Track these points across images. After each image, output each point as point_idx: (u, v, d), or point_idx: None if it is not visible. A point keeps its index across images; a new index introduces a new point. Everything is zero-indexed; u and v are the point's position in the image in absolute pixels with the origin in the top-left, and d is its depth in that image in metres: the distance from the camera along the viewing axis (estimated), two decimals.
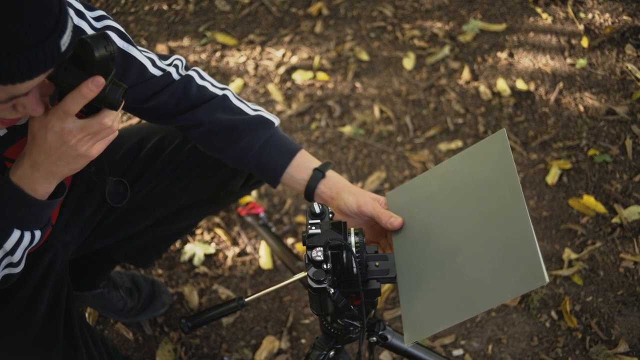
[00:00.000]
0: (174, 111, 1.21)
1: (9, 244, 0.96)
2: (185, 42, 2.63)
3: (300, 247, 1.97)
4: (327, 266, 0.93)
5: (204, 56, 2.57)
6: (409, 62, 2.48)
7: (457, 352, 1.75)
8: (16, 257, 0.99)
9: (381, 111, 2.34)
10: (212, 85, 1.24)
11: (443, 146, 2.21)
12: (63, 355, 1.15)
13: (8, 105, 0.85)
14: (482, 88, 2.38)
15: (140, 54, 1.13)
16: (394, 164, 2.18)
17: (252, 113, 1.24)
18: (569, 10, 2.59)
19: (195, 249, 1.96)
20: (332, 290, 0.93)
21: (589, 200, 2.00)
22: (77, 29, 1.02)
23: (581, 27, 2.52)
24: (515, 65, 2.44)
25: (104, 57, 0.85)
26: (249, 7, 2.75)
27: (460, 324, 1.80)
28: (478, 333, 1.78)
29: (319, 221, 1.00)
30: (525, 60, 2.45)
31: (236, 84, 2.45)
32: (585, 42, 2.45)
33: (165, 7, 2.77)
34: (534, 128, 2.24)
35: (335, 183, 1.20)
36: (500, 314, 1.81)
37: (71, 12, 1.01)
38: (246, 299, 1.09)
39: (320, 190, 1.20)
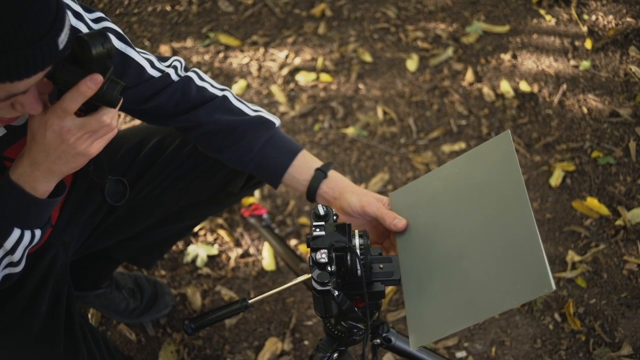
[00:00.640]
0: (173, 112, 1.21)
1: (9, 243, 0.96)
2: (189, 43, 2.63)
3: (303, 249, 1.97)
4: (331, 268, 0.93)
5: (207, 57, 2.57)
6: (412, 64, 2.48)
7: (461, 354, 1.74)
8: (16, 256, 0.99)
9: (384, 112, 2.34)
10: (212, 86, 1.24)
11: (446, 148, 2.21)
12: (64, 354, 1.16)
13: (6, 104, 0.86)
14: (486, 90, 2.37)
15: (139, 56, 1.13)
16: (397, 166, 2.18)
17: (252, 114, 1.24)
18: (573, 12, 2.59)
19: (198, 250, 1.96)
20: (336, 293, 0.93)
21: (592, 202, 2.00)
22: (74, 31, 1.02)
23: (585, 28, 2.52)
24: (519, 67, 2.44)
25: (101, 55, 0.85)
26: (252, 8, 2.75)
27: None
28: (481, 335, 1.78)
29: (323, 223, 0.99)
30: (529, 62, 2.45)
31: (239, 85, 2.45)
32: (588, 44, 2.45)
33: (168, 8, 2.77)
34: (537, 130, 2.24)
35: (337, 183, 1.19)
36: (504, 316, 1.81)
37: (69, 14, 1.02)
38: (250, 301, 1.09)
39: (323, 191, 1.19)
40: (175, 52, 2.59)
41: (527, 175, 2.12)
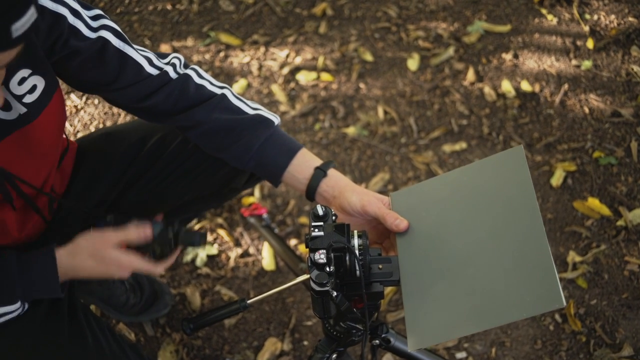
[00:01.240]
0: (171, 111, 1.20)
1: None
2: (189, 42, 2.62)
3: (303, 249, 1.96)
4: (330, 269, 0.92)
5: (207, 56, 2.56)
6: (413, 63, 2.47)
7: (461, 355, 1.74)
8: None
9: (385, 112, 2.33)
10: (211, 84, 1.23)
11: (447, 147, 2.20)
12: (69, 339, 1.16)
13: None
14: (487, 89, 2.37)
15: (137, 54, 1.13)
16: (397, 165, 2.17)
17: (251, 112, 1.23)
18: (574, 11, 2.58)
19: (198, 249, 1.96)
20: (334, 293, 0.92)
21: (593, 202, 1.99)
22: (71, 28, 1.03)
23: (586, 28, 2.51)
24: (520, 66, 2.43)
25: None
26: (253, 7, 2.74)
27: None
28: (481, 336, 1.77)
29: (322, 223, 0.98)
30: (530, 62, 2.44)
31: (240, 84, 2.44)
32: (590, 44, 2.44)
33: (169, 7, 2.77)
34: (538, 130, 2.23)
35: (337, 182, 1.18)
36: None
37: (67, 11, 1.01)
38: (249, 301, 1.08)
39: (322, 189, 1.18)
40: (175, 51, 2.59)
41: None
